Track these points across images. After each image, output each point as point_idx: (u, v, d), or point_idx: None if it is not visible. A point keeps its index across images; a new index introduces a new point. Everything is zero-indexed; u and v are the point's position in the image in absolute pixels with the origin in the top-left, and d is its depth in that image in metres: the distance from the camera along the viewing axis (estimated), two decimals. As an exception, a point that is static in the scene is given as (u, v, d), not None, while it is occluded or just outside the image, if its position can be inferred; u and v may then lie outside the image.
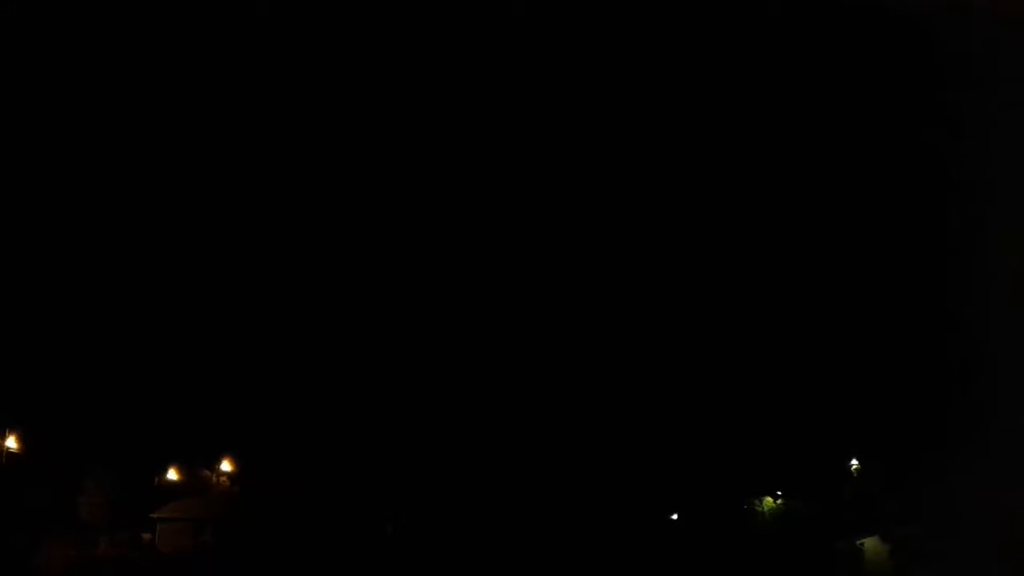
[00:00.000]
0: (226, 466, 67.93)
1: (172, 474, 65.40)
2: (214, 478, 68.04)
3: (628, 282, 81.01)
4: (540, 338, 76.93)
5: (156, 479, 64.63)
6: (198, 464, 67.00)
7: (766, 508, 74.87)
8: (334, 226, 78.18)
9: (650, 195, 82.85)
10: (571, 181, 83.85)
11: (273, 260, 75.55)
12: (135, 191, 73.03)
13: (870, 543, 62.77)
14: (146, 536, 59.91)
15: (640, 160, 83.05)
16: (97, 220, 70.25)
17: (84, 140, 71.15)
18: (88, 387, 61.87)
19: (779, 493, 75.06)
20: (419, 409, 70.98)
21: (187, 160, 75.09)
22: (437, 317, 75.71)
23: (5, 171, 64.31)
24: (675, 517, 77.43)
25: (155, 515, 60.02)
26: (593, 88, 79.45)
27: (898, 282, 69.74)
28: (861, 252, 73.96)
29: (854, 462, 71.60)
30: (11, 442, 52.96)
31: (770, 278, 78.14)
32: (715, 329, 79.13)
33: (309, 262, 76.30)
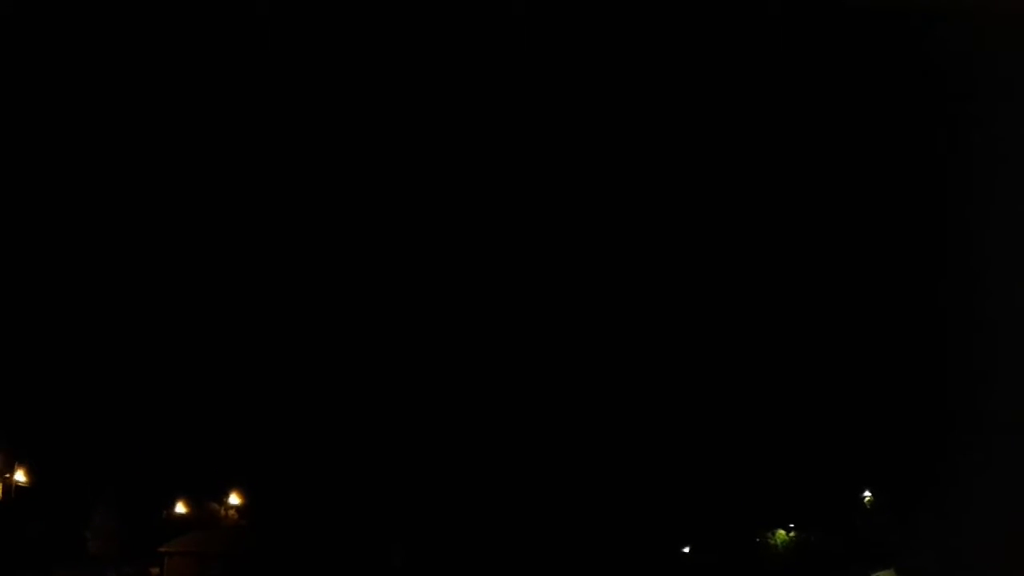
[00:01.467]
0: (234, 499, 67.76)
1: (180, 507, 65.23)
2: (222, 511, 67.85)
3: (645, 313, 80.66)
4: (550, 369, 76.64)
5: (164, 512, 64.50)
6: (206, 497, 66.83)
7: (779, 540, 74.04)
8: (338, 261, 78.28)
9: (657, 203, 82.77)
10: (572, 181, 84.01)
11: (283, 296, 75.72)
12: (146, 219, 73.53)
13: (884, 575, 61.96)
14: (154, 570, 59.67)
15: (644, 161, 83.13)
16: (104, 247, 70.70)
17: (89, 146, 71.72)
18: (97, 421, 62.03)
19: (792, 525, 74.28)
20: (427, 442, 70.71)
21: (199, 186, 75.67)
22: (442, 350, 75.54)
23: (10, 194, 64.99)
24: (687, 550, 76.62)
25: (163, 548, 59.79)
26: (593, 88, 79.89)
27: (909, 308, 69.35)
28: (873, 272, 73.56)
29: (867, 494, 70.93)
30: (20, 475, 52.99)
31: (783, 308, 77.76)
32: (728, 361, 78.68)
33: (317, 297, 76.46)
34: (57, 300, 66.28)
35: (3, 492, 51.52)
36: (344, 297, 77.06)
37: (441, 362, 74.15)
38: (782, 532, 74.06)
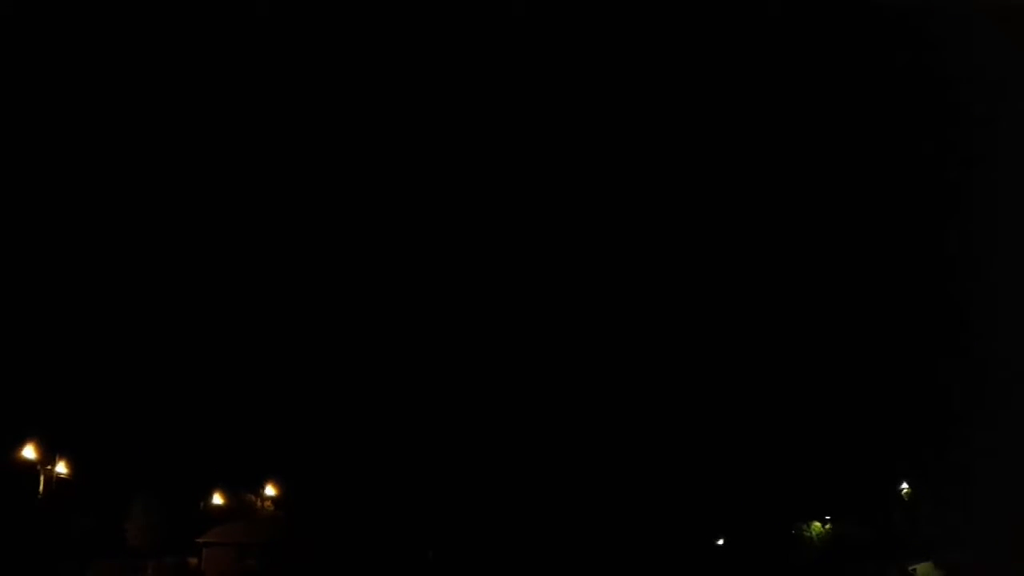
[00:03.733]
0: (270, 490, 68.40)
1: (217, 498, 65.91)
2: (258, 502, 68.51)
3: (674, 310, 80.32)
4: (582, 368, 76.51)
5: (201, 504, 65.22)
6: (243, 488, 67.51)
7: (814, 533, 73.42)
8: (372, 260, 78.59)
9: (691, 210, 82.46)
10: (573, 182, 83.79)
11: (317, 292, 76.19)
12: (179, 228, 74.17)
13: (923, 569, 61.22)
14: (192, 560, 60.40)
15: (645, 161, 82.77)
16: (136, 251, 71.46)
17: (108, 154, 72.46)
18: (136, 414, 62.81)
19: (828, 517, 73.62)
20: (463, 436, 70.93)
21: (226, 181, 76.24)
22: (479, 346, 75.63)
23: (52, 211, 65.88)
24: (721, 542, 76.28)
25: (201, 540, 60.51)
26: (593, 88, 79.54)
27: (945, 303, 68.41)
28: (892, 267, 72.77)
29: (904, 486, 70.08)
30: (61, 467, 53.75)
31: (814, 304, 77.09)
32: (763, 354, 78.15)
33: (351, 295, 76.77)
34: (98, 295, 67.19)
35: (44, 484, 52.35)
36: (384, 295, 77.36)
37: (477, 362, 74.33)
38: (817, 524, 73.42)
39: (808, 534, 73.49)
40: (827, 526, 73.38)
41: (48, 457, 52.93)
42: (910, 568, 61.85)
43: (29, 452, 51.90)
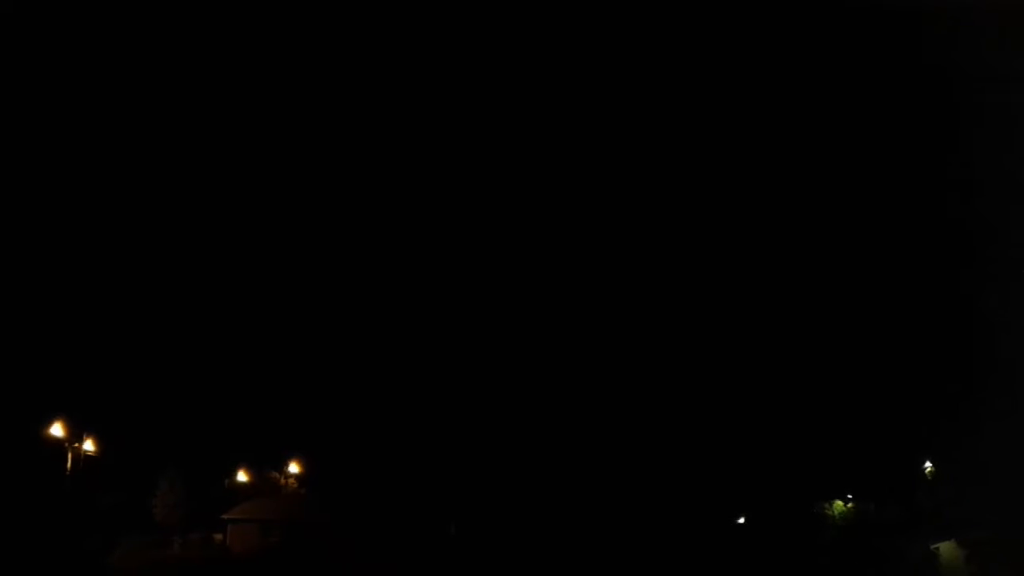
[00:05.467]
0: (294, 468, 69.18)
1: (242, 476, 66.78)
2: (282, 479, 69.35)
3: (694, 290, 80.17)
4: (600, 346, 76.60)
5: (226, 481, 66.10)
6: (267, 466, 68.33)
7: (836, 511, 73.12)
8: (396, 244, 78.88)
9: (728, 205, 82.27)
10: (574, 182, 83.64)
11: (335, 271, 76.70)
12: (200, 215, 74.74)
13: (945, 547, 60.87)
14: (217, 536, 61.36)
15: (646, 161, 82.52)
16: (164, 235, 72.20)
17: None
18: (161, 392, 63.71)
19: (850, 496, 73.30)
20: (484, 412, 71.32)
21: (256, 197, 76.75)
22: (495, 328, 75.84)
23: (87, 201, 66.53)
24: (742, 521, 76.20)
25: (226, 516, 61.38)
26: (593, 88, 79.25)
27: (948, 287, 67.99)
28: (916, 251, 72.24)
29: (927, 464, 69.63)
30: (88, 445, 54.58)
31: (839, 285, 76.74)
32: (782, 332, 77.89)
33: (368, 274, 77.17)
34: (126, 278, 68.08)
35: (72, 462, 53.24)
36: (408, 278, 77.68)
37: (495, 345, 74.56)
38: (840, 503, 73.11)
39: (830, 513, 73.21)
40: (849, 505, 73.08)
41: (75, 435, 53.71)
42: (933, 547, 61.53)
43: (57, 430, 52.74)
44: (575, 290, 78.21)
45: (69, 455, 53.14)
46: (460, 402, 70.92)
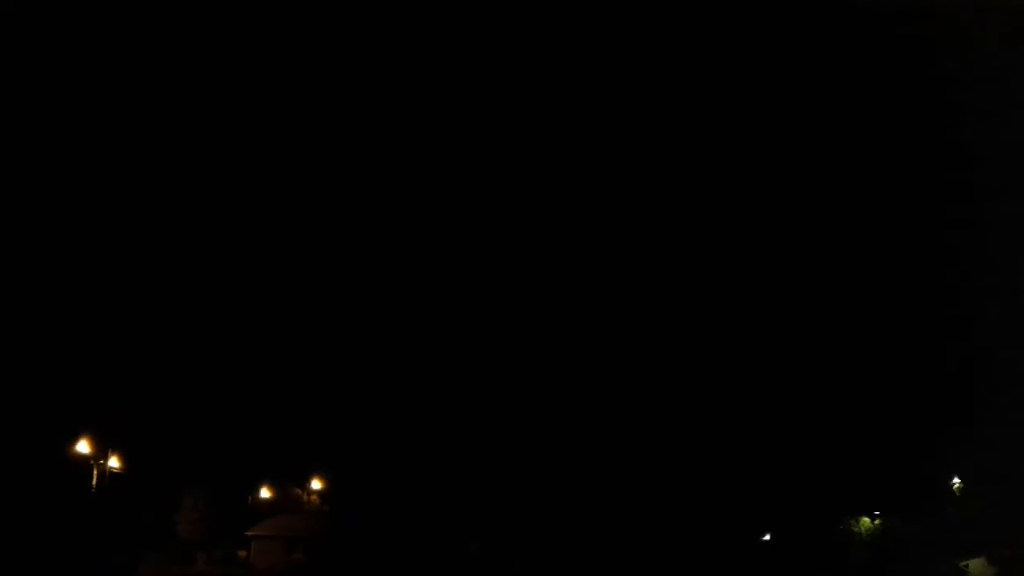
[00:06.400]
0: (316, 484, 69.35)
1: (265, 492, 67.04)
2: (305, 496, 69.54)
3: (723, 304, 79.78)
4: (626, 362, 76.21)
5: (250, 497, 66.37)
6: (289, 483, 68.55)
7: (863, 528, 72.25)
8: (419, 261, 78.91)
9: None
10: (576, 182, 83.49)
11: (364, 291, 76.85)
12: (220, 232, 75.16)
13: (975, 564, 60.03)
14: (241, 553, 61.63)
15: (647, 162, 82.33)
16: (184, 254, 72.66)
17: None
18: (185, 410, 64.10)
19: (877, 512, 72.43)
20: (505, 430, 71.13)
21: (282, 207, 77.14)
22: (521, 346, 75.64)
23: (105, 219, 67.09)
24: (767, 538, 75.42)
25: (249, 532, 61.64)
26: (593, 88, 79.23)
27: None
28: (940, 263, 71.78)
29: (955, 480, 68.70)
30: (113, 462, 55.02)
31: (866, 295, 76.24)
32: (811, 347, 77.35)
33: (395, 295, 77.23)
34: (149, 297, 68.68)
35: (97, 478, 53.67)
36: (428, 294, 77.77)
37: (519, 361, 74.44)
38: (866, 519, 72.25)
39: (857, 530, 72.35)
40: (876, 521, 72.19)
41: (101, 452, 54.18)
42: (962, 564, 60.67)
43: (83, 447, 53.24)
44: (601, 309, 77.87)
45: (95, 472, 53.61)
46: (483, 420, 70.79)
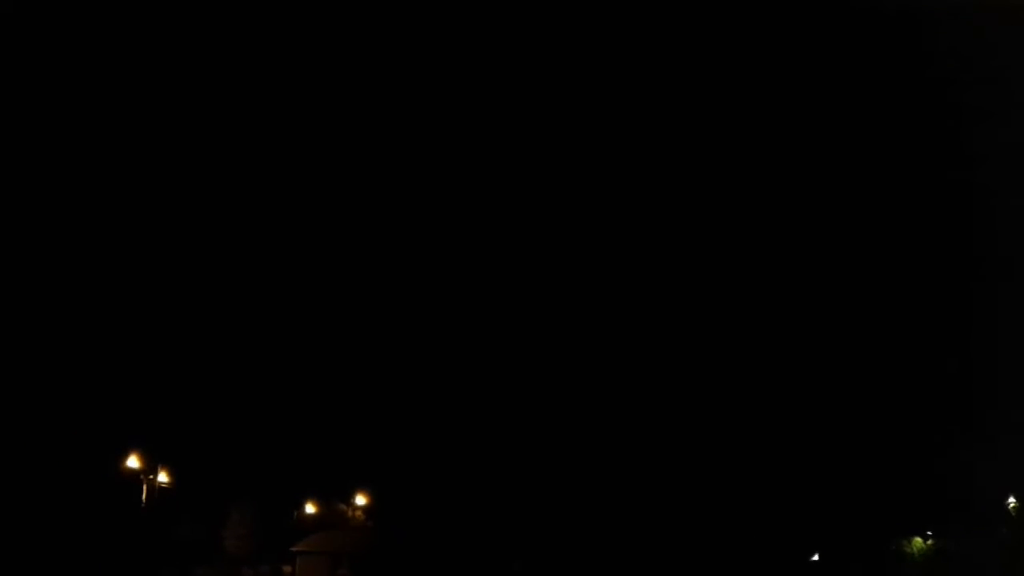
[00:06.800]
0: (360, 500, 69.62)
1: (310, 508, 67.42)
2: (349, 512, 69.81)
3: (776, 321, 78.89)
4: (671, 383, 75.59)
5: (295, 513, 66.82)
6: (334, 498, 68.90)
7: (915, 548, 70.72)
8: (462, 283, 78.87)
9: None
10: (577, 182, 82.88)
11: (410, 305, 77.08)
12: (264, 249, 75.76)
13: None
14: (286, 568, 61.91)
15: (649, 162, 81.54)
16: (230, 270, 73.43)
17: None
18: (233, 425, 64.85)
19: (929, 533, 70.86)
20: (550, 449, 70.86)
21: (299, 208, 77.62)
22: (559, 363, 75.38)
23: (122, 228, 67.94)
24: (816, 558, 74.14)
25: (295, 548, 61.96)
26: (594, 88, 78.74)
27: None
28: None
29: (1011, 500, 66.98)
30: (163, 476, 55.80)
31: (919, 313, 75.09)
32: (863, 361, 76.21)
33: (443, 311, 77.36)
34: (199, 313, 69.63)
35: (147, 493, 54.49)
36: (473, 313, 77.80)
37: (559, 375, 74.16)
38: (919, 540, 70.73)
39: (909, 550, 70.84)
40: (929, 542, 70.63)
41: (151, 467, 54.98)
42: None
43: (133, 462, 54.11)
44: (635, 326, 77.35)
45: (144, 487, 54.43)
46: (531, 440, 70.61)
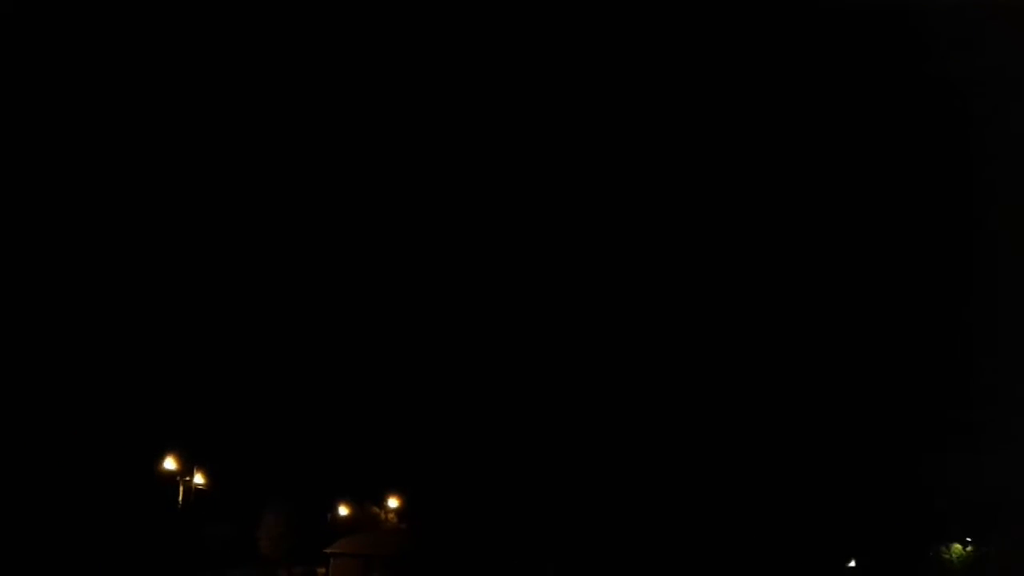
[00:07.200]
0: (393, 503, 69.87)
1: (343, 510, 67.75)
2: (382, 514, 70.07)
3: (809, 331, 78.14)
4: (707, 387, 75.08)
5: (328, 515, 67.18)
6: (367, 501, 69.20)
7: (955, 555, 69.65)
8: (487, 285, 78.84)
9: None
10: (577, 182, 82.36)
11: (441, 307, 77.27)
12: (299, 251, 76.19)
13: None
14: (320, 570, 62.29)
15: (650, 163, 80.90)
16: (266, 273, 73.98)
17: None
18: (268, 428, 65.44)
19: (969, 539, 69.75)
20: (584, 452, 70.68)
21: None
22: (591, 368, 75.14)
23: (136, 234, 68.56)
24: (852, 565, 73.21)
25: (328, 550, 62.28)
26: (594, 88, 78.27)
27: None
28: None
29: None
30: (198, 478, 56.33)
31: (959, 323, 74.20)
32: (898, 365, 75.36)
33: (472, 314, 77.41)
34: (234, 317, 70.30)
35: (183, 494, 55.07)
36: (504, 315, 77.78)
37: (590, 379, 73.92)
38: (958, 546, 69.66)
39: (948, 556, 69.78)
40: (968, 548, 69.51)
41: (187, 469, 55.52)
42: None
43: (170, 464, 54.70)
44: (658, 336, 76.91)
45: (181, 488, 54.99)
46: (563, 444, 70.45)
